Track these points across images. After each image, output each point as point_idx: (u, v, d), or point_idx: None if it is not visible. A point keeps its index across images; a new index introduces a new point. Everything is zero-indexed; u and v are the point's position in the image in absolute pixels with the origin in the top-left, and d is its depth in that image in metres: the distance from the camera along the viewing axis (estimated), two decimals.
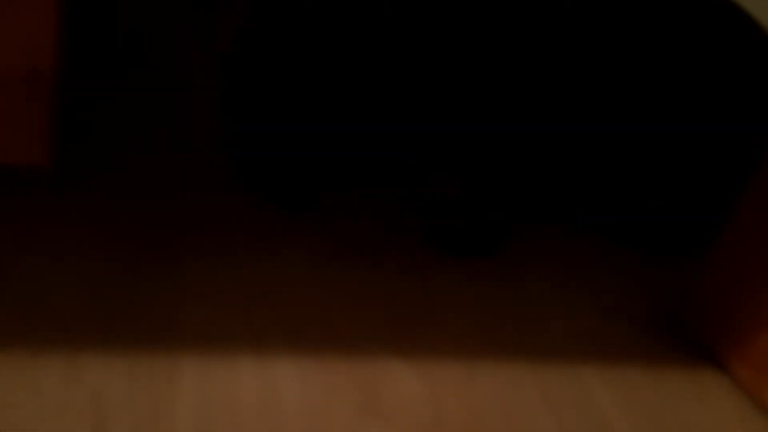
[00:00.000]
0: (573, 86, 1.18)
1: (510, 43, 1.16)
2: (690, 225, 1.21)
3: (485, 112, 1.17)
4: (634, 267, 1.18)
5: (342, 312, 1.00)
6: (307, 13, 1.15)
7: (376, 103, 1.20)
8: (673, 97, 1.18)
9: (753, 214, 1.00)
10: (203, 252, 1.05)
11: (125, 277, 0.98)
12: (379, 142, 1.23)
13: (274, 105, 1.18)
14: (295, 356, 0.92)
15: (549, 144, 1.19)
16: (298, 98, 1.18)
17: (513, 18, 1.15)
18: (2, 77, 0.79)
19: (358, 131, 1.22)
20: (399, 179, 1.27)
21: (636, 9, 1.16)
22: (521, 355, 0.99)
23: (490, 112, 1.17)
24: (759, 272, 0.98)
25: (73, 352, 0.87)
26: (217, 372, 0.88)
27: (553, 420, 0.91)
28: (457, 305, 1.05)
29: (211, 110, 1.26)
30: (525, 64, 1.16)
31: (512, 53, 1.16)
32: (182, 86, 1.24)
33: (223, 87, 1.24)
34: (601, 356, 1.01)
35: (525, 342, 1.01)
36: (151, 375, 0.86)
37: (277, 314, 0.97)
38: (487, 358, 0.97)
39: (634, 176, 1.21)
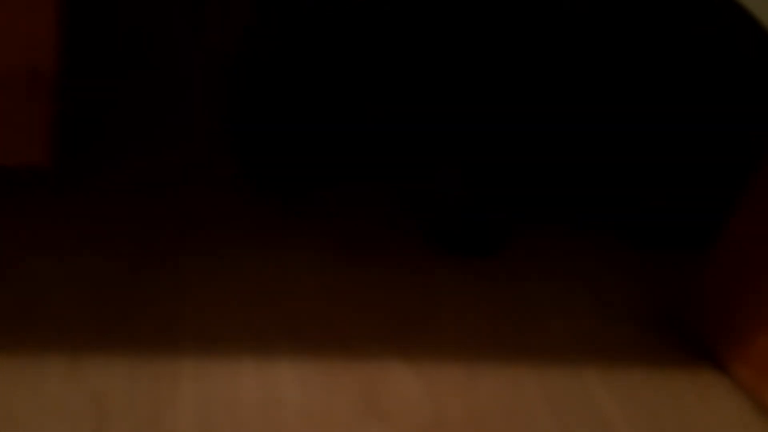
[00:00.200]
0: (573, 86, 1.18)
1: (512, 44, 1.16)
2: (690, 225, 1.21)
3: (486, 112, 1.17)
4: (635, 267, 1.18)
5: (342, 312, 1.00)
6: (309, 14, 1.15)
7: (378, 102, 1.20)
8: (673, 97, 1.18)
9: (753, 213, 1.00)
10: (203, 252, 1.05)
11: (126, 277, 0.98)
12: (380, 141, 1.23)
13: (277, 104, 1.18)
14: (295, 357, 0.92)
15: (549, 144, 1.19)
16: (300, 98, 1.18)
17: (515, 20, 1.15)
18: (2, 78, 0.79)
19: (359, 131, 1.22)
20: (400, 179, 1.27)
21: (636, 9, 1.16)
22: (522, 355, 0.99)
23: (491, 112, 1.17)
24: (759, 272, 0.98)
25: (73, 353, 0.87)
26: (217, 373, 0.88)
27: (554, 420, 0.91)
28: (458, 305, 1.05)
29: (212, 110, 1.26)
30: (526, 65, 1.16)
31: (514, 55, 1.16)
32: (182, 86, 1.24)
33: (225, 86, 1.24)
34: (601, 356, 1.01)
35: (526, 342, 1.01)
36: (152, 376, 0.86)
37: (277, 315, 0.97)
38: (487, 359, 0.97)
39: (635, 176, 1.21)
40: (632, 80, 1.18)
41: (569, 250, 1.19)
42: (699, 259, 1.10)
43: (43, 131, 0.80)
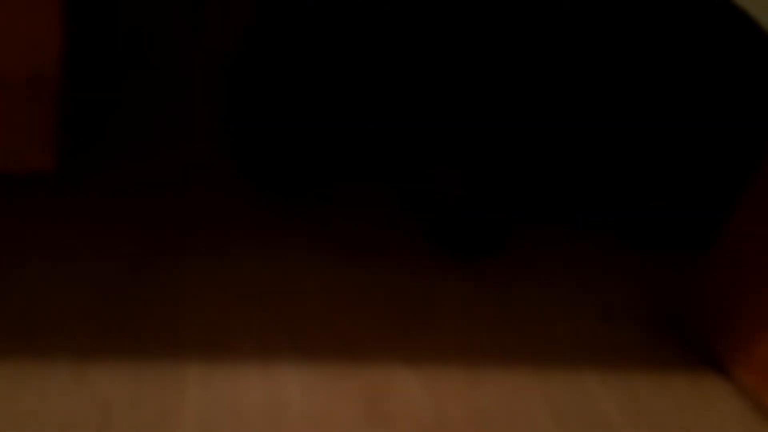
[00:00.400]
0: (573, 86, 1.18)
1: (512, 44, 1.16)
2: (690, 225, 1.21)
3: (486, 112, 1.17)
4: (635, 267, 1.19)
5: (344, 314, 1.00)
6: (309, 14, 1.15)
7: (378, 102, 1.20)
8: (672, 97, 1.18)
9: (753, 213, 1.00)
10: (204, 253, 1.05)
11: (128, 279, 0.98)
12: (380, 141, 1.23)
13: (277, 104, 1.18)
14: (297, 360, 0.92)
15: (549, 144, 1.19)
16: (300, 98, 1.18)
17: (515, 20, 1.15)
18: (6, 82, 0.79)
19: (359, 131, 1.22)
20: (400, 179, 1.27)
21: (636, 10, 1.16)
22: (524, 359, 0.99)
23: (491, 112, 1.17)
24: (759, 272, 0.98)
25: (78, 358, 0.87)
26: (221, 376, 0.88)
27: (555, 423, 0.91)
28: (459, 307, 1.05)
29: (212, 110, 1.26)
30: (526, 65, 1.16)
31: (514, 55, 1.16)
32: (182, 86, 1.24)
33: (225, 86, 1.24)
34: (603, 360, 1.01)
35: (527, 344, 1.01)
36: (156, 380, 0.86)
37: (279, 317, 0.97)
38: (489, 363, 0.97)
39: (635, 176, 1.21)
40: (632, 80, 1.18)
41: (569, 251, 1.20)
42: (699, 260, 1.10)
43: (47, 137, 0.80)
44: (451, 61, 1.17)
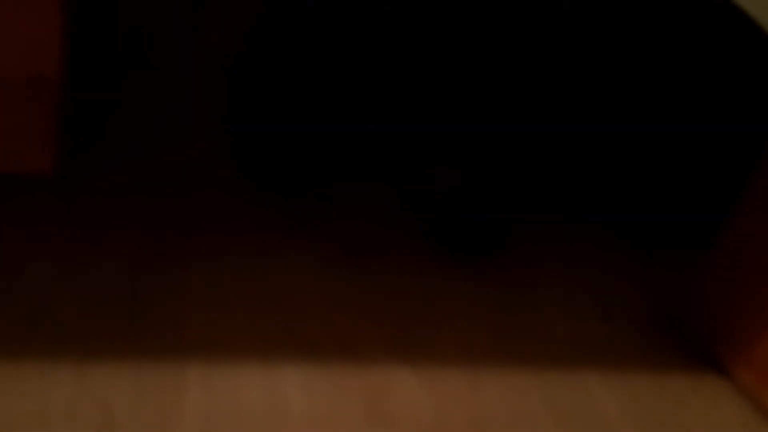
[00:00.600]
0: (573, 86, 1.18)
1: (512, 45, 1.16)
2: (690, 225, 1.21)
3: (487, 112, 1.17)
4: (635, 268, 1.19)
5: (345, 316, 1.00)
6: (309, 14, 1.15)
7: (378, 102, 1.20)
8: (672, 97, 1.18)
9: (753, 214, 1.00)
10: (205, 255, 1.05)
11: (129, 282, 0.98)
12: (380, 141, 1.23)
13: (277, 104, 1.18)
14: (299, 361, 0.92)
15: (549, 144, 1.19)
16: (301, 98, 1.18)
17: (515, 21, 1.15)
18: (8, 84, 0.79)
19: (359, 131, 1.22)
20: (400, 179, 1.27)
21: (636, 9, 1.16)
22: (524, 358, 0.99)
23: (492, 112, 1.17)
24: (760, 273, 0.98)
25: (79, 360, 0.87)
26: (222, 378, 0.88)
27: (556, 424, 0.91)
28: (459, 309, 1.05)
29: (212, 110, 1.26)
30: (526, 65, 1.16)
31: (514, 55, 1.16)
32: (182, 86, 1.24)
33: (225, 86, 1.24)
34: (603, 360, 1.01)
35: (527, 346, 1.01)
36: (158, 382, 0.86)
37: (281, 319, 0.97)
38: (490, 364, 0.97)
39: (636, 177, 1.21)
40: (632, 80, 1.18)
41: (570, 251, 1.20)
42: (699, 260, 1.10)
43: (47, 139, 0.80)
44: (452, 61, 1.17)
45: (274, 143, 1.19)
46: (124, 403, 0.83)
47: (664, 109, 1.18)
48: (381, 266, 1.09)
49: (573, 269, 1.16)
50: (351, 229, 1.15)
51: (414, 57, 1.18)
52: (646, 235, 1.25)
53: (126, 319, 0.93)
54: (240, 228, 1.11)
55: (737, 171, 1.15)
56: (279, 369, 0.91)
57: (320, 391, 0.89)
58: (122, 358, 0.88)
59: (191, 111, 1.26)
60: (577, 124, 1.19)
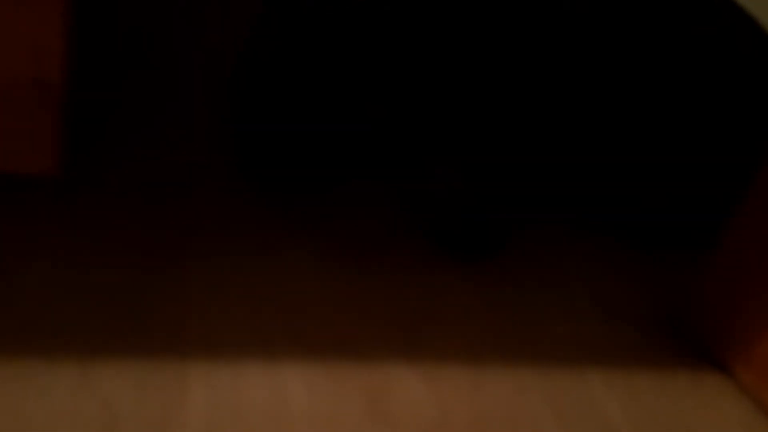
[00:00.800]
0: (573, 86, 1.18)
1: (511, 44, 1.16)
2: (690, 225, 1.21)
3: (487, 112, 1.17)
4: (635, 268, 1.19)
5: (346, 316, 1.00)
6: (309, 14, 1.15)
7: (378, 102, 1.20)
8: (673, 97, 1.18)
9: (754, 214, 1.00)
10: (205, 255, 1.05)
11: (129, 280, 0.98)
12: (381, 141, 1.23)
13: (277, 104, 1.18)
14: (301, 361, 0.92)
15: (549, 144, 1.19)
16: (301, 98, 1.18)
17: (515, 20, 1.15)
18: (10, 86, 0.79)
19: (359, 131, 1.22)
20: (400, 179, 1.27)
21: (636, 9, 1.16)
22: (526, 359, 0.99)
23: (492, 112, 1.17)
24: (761, 273, 0.98)
25: (82, 360, 0.87)
26: (225, 378, 0.88)
27: (557, 423, 0.91)
28: (461, 309, 1.05)
29: (212, 110, 1.26)
30: (526, 65, 1.16)
31: (513, 55, 1.16)
32: (182, 86, 1.24)
33: (225, 86, 1.24)
34: (604, 360, 1.01)
35: (528, 345, 1.01)
36: (160, 382, 0.86)
37: (282, 319, 0.97)
38: (492, 363, 0.97)
39: (635, 176, 1.21)
40: (632, 80, 1.18)
41: (570, 251, 1.20)
42: (699, 260, 1.11)
43: (50, 141, 0.80)
44: (452, 61, 1.17)
45: (275, 143, 1.19)
46: (126, 403, 0.83)
47: (664, 109, 1.18)
48: (381, 266, 1.09)
49: (573, 269, 1.16)
50: (351, 228, 1.15)
51: (414, 57, 1.18)
52: (646, 235, 1.25)
53: (127, 318, 0.93)
54: (240, 228, 1.11)
55: (737, 171, 1.15)
56: (280, 368, 0.91)
57: (321, 390, 0.89)
58: (124, 358, 0.88)
59: (191, 111, 1.26)
60: (578, 125, 1.19)
